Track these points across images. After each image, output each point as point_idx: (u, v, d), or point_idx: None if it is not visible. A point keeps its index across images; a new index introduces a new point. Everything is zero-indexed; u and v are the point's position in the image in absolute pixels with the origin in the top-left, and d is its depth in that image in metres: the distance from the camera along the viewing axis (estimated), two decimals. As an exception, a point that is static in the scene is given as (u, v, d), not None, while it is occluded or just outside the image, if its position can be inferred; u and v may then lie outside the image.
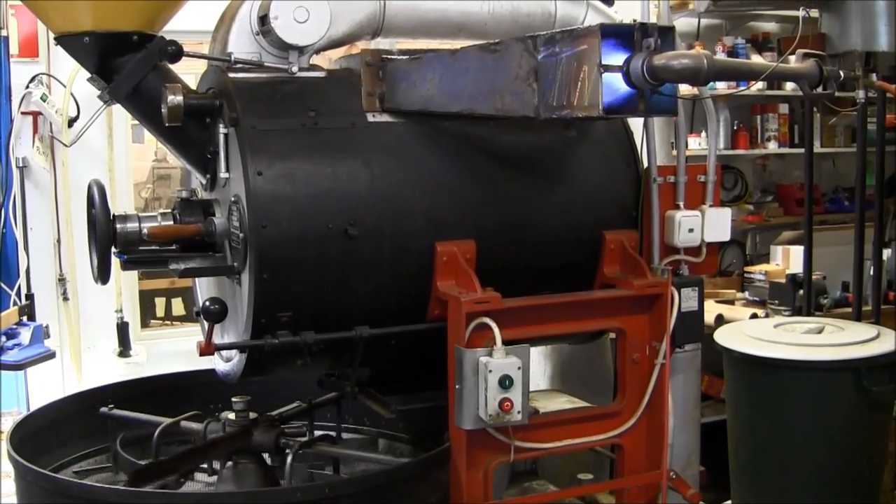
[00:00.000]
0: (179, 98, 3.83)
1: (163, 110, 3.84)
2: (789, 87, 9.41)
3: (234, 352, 4.01)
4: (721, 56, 7.93)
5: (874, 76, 6.36)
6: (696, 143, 8.53)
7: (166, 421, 4.33)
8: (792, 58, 3.90)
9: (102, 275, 3.99)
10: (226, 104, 3.87)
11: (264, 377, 4.19)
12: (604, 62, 3.20)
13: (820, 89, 3.69)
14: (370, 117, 3.99)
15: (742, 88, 8.93)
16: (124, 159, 7.25)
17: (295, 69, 4.03)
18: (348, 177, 3.84)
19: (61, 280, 6.94)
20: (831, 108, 7.31)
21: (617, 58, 3.22)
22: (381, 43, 4.34)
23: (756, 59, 8.33)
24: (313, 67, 4.11)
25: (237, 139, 3.80)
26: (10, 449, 3.91)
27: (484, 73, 3.58)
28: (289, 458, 3.95)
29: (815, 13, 6.99)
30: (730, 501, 6.04)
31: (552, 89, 3.34)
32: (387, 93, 4.03)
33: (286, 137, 3.82)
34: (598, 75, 3.27)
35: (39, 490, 3.78)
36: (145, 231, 3.98)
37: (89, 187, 3.99)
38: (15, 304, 6.66)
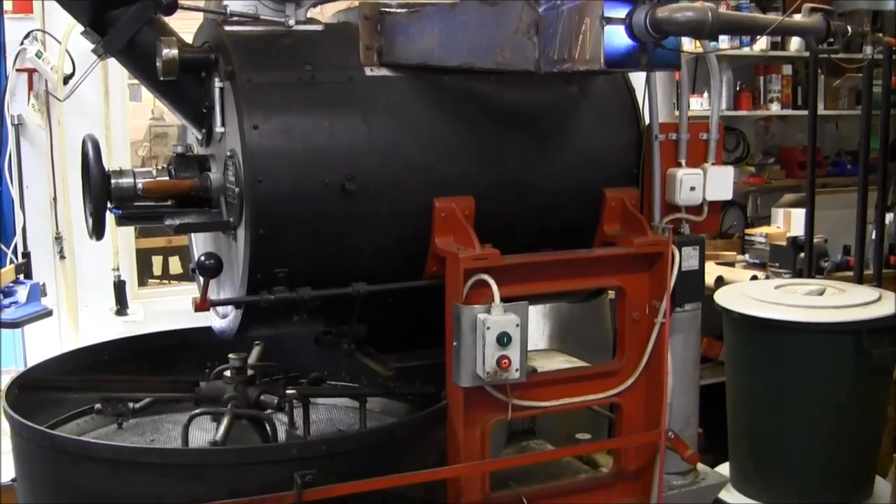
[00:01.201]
0: (174, 52, 3.77)
1: (157, 64, 3.78)
2: (793, 47, 9.38)
3: (230, 308, 3.97)
4: (725, 14, 7.82)
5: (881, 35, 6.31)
6: (697, 104, 8.51)
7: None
8: (797, 15, 3.85)
9: (97, 230, 3.94)
10: (221, 58, 3.82)
11: (261, 334, 4.16)
12: (606, 14, 3.16)
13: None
14: (368, 71, 3.94)
15: (745, 47, 8.91)
16: (121, 117, 7.23)
17: (292, 22, 3.97)
18: (346, 131, 3.79)
19: (58, 238, 6.93)
20: (839, 65, 7.27)
21: (619, 10, 3.18)
22: (379, -4, 4.29)
23: (760, 18, 8.25)
24: (310, 21, 4.05)
25: (233, 93, 3.75)
26: (5, 406, 3.89)
27: (484, 26, 3.53)
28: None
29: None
30: (727, 463, 6.04)
31: (553, 43, 3.29)
32: (385, 47, 3.97)
33: (283, 91, 3.77)
34: (600, 28, 3.22)
35: (36, 447, 3.75)
36: (140, 186, 3.93)
37: (83, 142, 3.95)
38: (11, 262, 6.64)
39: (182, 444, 3.91)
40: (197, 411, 4.05)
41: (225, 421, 3.94)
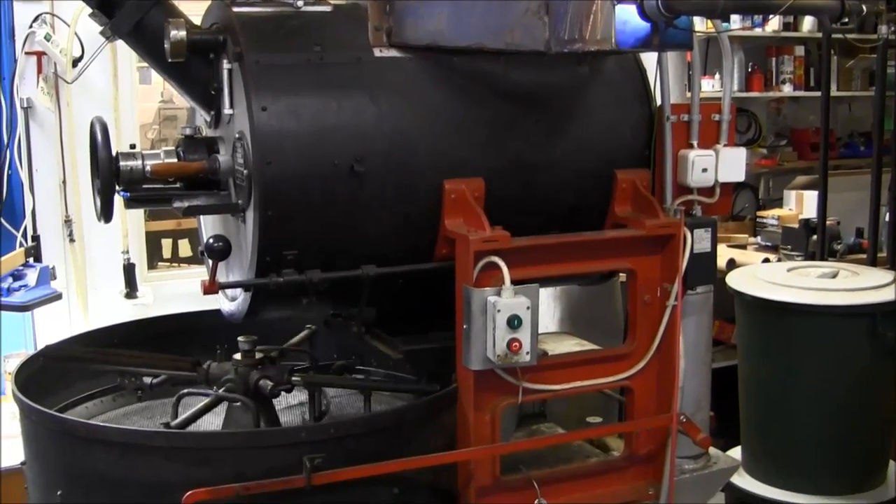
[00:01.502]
0: (182, 33, 3.75)
1: (165, 46, 3.76)
2: (806, 28, 9.33)
3: (238, 291, 3.96)
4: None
5: (897, 14, 6.24)
6: (709, 86, 8.47)
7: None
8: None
9: (105, 213, 3.92)
10: (230, 39, 3.79)
11: (269, 317, 4.14)
12: (618, -6, 3.14)
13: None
14: (377, 52, 3.91)
15: (757, 28, 8.85)
16: (130, 100, 7.20)
17: (300, 3, 3.94)
18: (355, 113, 3.76)
19: (67, 221, 6.92)
20: (852, 45, 7.22)
21: (631, -10, 3.15)
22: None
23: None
24: (319, 2, 4.02)
25: (241, 74, 3.72)
26: (14, 388, 3.88)
27: (494, 6, 3.51)
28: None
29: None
30: (739, 447, 6.02)
31: (564, 22, 3.27)
32: (394, 27, 3.94)
33: (291, 72, 3.74)
34: (612, 8, 3.21)
35: (45, 430, 3.75)
36: (148, 168, 3.91)
37: (91, 124, 3.92)
38: (21, 245, 6.63)
39: (171, 419, 3.94)
40: (184, 391, 4.06)
41: (200, 404, 3.96)
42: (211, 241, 3.69)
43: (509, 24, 3.43)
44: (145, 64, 4.24)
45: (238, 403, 3.94)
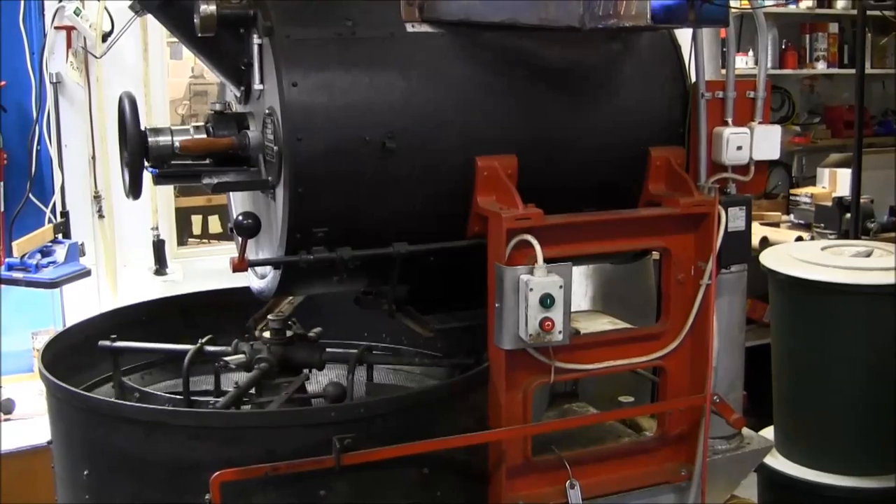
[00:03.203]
0: (212, 7, 3.70)
1: (195, 20, 3.72)
2: (840, 5, 9.25)
3: (268, 268, 3.93)
4: (771, -29, 7.70)
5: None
6: (742, 63, 8.41)
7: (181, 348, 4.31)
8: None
9: (134, 189, 3.90)
10: (260, 13, 3.75)
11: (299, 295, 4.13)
12: (653, -32, 3.09)
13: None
14: (409, 27, 3.86)
15: (791, 5, 8.78)
16: (160, 75, 7.17)
17: (331, -23, 3.91)
18: (386, 89, 3.72)
19: (96, 197, 6.90)
20: (887, 22, 7.14)
21: (667, -36, 3.10)
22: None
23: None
24: (350, -24, 3.98)
25: (271, 49, 3.69)
26: (40, 366, 3.87)
27: (527, -20, 3.46)
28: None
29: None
30: (772, 427, 5.98)
31: (599, -2, 3.22)
32: (426, 2, 3.89)
33: (322, 47, 3.70)
34: (647, -18, 3.15)
35: (71, 409, 3.74)
36: (178, 144, 3.88)
37: (120, 100, 3.90)
38: (50, 221, 6.63)
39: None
40: (221, 362, 4.12)
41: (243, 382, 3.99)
42: (240, 218, 3.67)
43: (543, -1, 3.39)
44: (176, 39, 4.21)
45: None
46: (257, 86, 3.83)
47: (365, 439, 3.39)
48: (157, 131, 3.91)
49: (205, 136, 3.95)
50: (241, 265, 3.67)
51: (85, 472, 3.67)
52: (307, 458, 3.34)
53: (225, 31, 3.80)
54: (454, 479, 3.72)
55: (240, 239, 3.69)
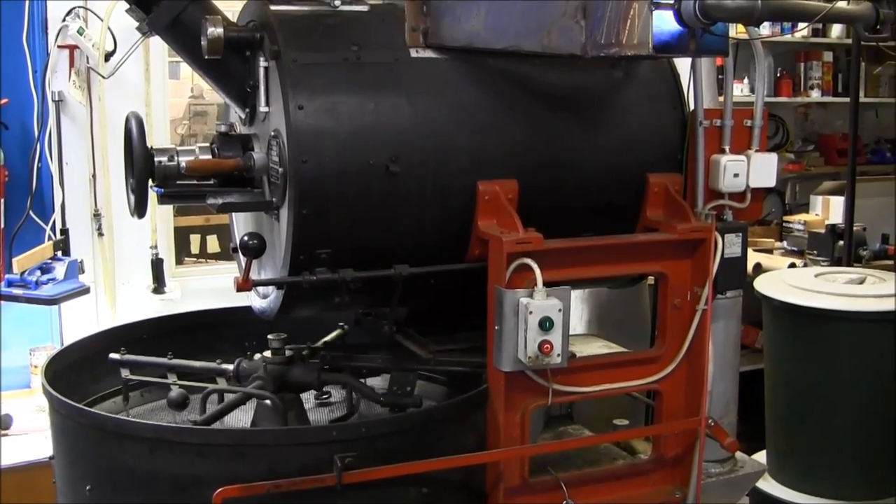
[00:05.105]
0: (220, 30, 3.75)
1: (202, 42, 3.77)
2: (834, 34, 9.32)
3: (270, 288, 3.98)
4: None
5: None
6: (738, 90, 8.46)
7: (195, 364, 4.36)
8: (843, 3, 3.82)
9: (139, 208, 3.94)
10: (267, 37, 3.80)
11: (301, 315, 4.16)
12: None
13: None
14: (414, 53, 3.92)
15: (786, 34, 8.85)
16: (161, 95, 7.21)
17: (338, 2, 3.95)
18: (391, 113, 3.77)
19: (96, 215, 6.93)
20: (881, 51, 7.21)
21: (668, -4, 3.16)
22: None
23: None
24: (356, 1, 4.03)
25: (278, 72, 3.74)
26: (44, 382, 3.90)
27: (531, 8, 3.51)
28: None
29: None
30: (764, 451, 6.01)
31: (601, 27, 3.27)
32: (431, 28, 3.95)
33: (328, 71, 3.75)
34: (649, 13, 3.21)
35: (74, 424, 3.77)
36: (183, 164, 3.93)
37: (127, 120, 3.94)
38: (49, 238, 6.65)
39: (199, 414, 3.99)
40: (210, 388, 4.12)
41: (227, 401, 4.03)
42: (246, 238, 3.71)
43: (546, 27, 3.44)
44: (176, 59, 4.24)
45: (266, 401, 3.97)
46: (263, 108, 3.87)
47: (366, 458, 3.43)
48: (162, 151, 3.96)
49: (210, 156, 4.00)
50: (245, 285, 3.72)
51: (87, 488, 3.69)
52: (309, 476, 3.38)
53: (231, 53, 3.86)
54: (453, 499, 3.75)
55: (242, 259, 3.73)
